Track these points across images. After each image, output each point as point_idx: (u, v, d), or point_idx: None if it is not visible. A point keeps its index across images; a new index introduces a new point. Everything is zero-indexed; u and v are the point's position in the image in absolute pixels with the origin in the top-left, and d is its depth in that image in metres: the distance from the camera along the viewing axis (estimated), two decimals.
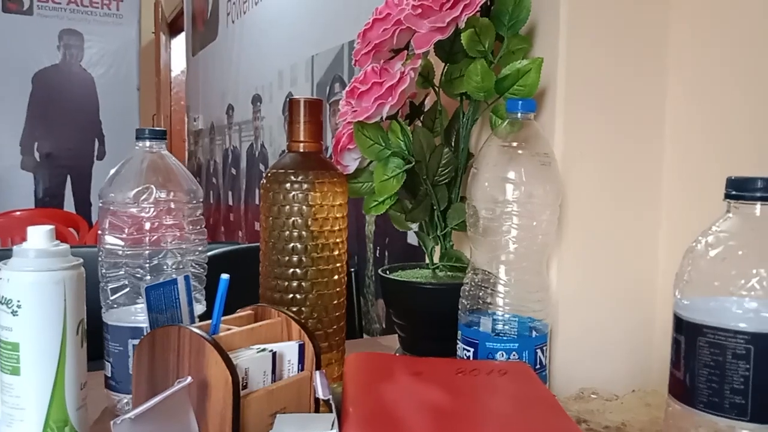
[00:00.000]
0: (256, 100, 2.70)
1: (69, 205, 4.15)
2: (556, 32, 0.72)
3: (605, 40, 0.74)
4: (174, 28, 4.54)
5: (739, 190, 0.44)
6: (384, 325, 1.62)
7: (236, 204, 3.07)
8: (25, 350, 0.52)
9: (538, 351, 0.66)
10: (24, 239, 0.54)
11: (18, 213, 3.13)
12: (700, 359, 0.44)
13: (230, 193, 3.15)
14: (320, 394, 0.50)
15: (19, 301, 0.52)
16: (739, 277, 0.42)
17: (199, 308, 0.69)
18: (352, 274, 1.39)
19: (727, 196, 0.46)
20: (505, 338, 0.65)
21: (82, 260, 0.55)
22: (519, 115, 0.66)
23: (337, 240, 0.71)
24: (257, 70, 2.68)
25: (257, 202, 2.76)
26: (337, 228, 0.71)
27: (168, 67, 4.46)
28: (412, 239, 1.50)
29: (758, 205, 0.44)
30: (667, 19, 0.76)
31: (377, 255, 1.67)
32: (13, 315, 0.52)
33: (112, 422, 0.42)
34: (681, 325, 0.46)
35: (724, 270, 0.44)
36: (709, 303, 0.44)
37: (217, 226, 3.36)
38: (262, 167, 2.68)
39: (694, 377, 0.44)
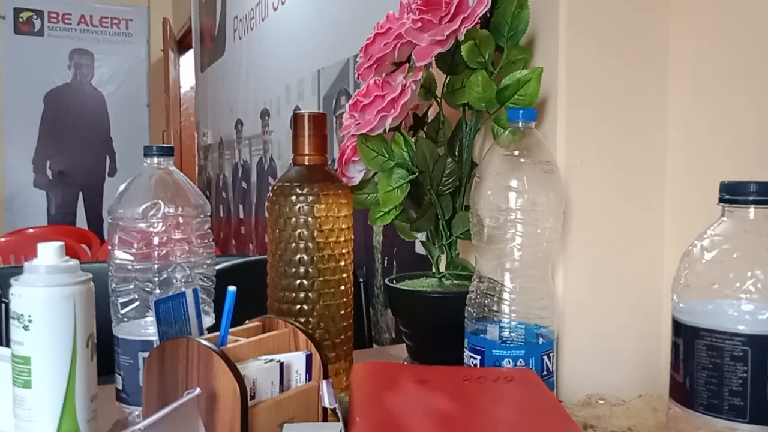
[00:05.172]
0: (265, 114, 2.72)
1: (81, 221, 4.19)
2: (555, 42, 0.73)
3: (605, 49, 0.75)
4: (182, 46, 4.58)
5: (733, 194, 0.45)
6: (393, 335, 1.62)
7: (247, 217, 3.08)
8: (36, 364, 0.53)
9: (545, 358, 0.66)
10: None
11: (31, 230, 3.16)
12: (698, 362, 0.44)
13: (241, 206, 3.17)
14: (327, 403, 0.51)
15: (30, 316, 0.53)
16: (735, 280, 0.43)
17: (208, 321, 0.70)
18: (361, 284, 1.39)
19: (722, 200, 0.46)
20: (511, 345, 0.65)
21: (91, 275, 0.56)
22: (520, 124, 0.67)
23: (343, 251, 0.72)
24: (265, 84, 2.71)
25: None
26: (342, 239, 0.72)
27: (177, 83, 4.50)
28: (420, 249, 1.51)
29: (752, 209, 0.45)
30: (667, 23, 0.77)
31: (385, 265, 1.67)
32: (25, 330, 0.53)
33: None
34: (679, 329, 0.46)
35: (720, 273, 0.44)
36: (707, 306, 0.44)
37: (228, 239, 3.38)
38: (271, 180, 2.69)
39: (693, 380, 0.45)
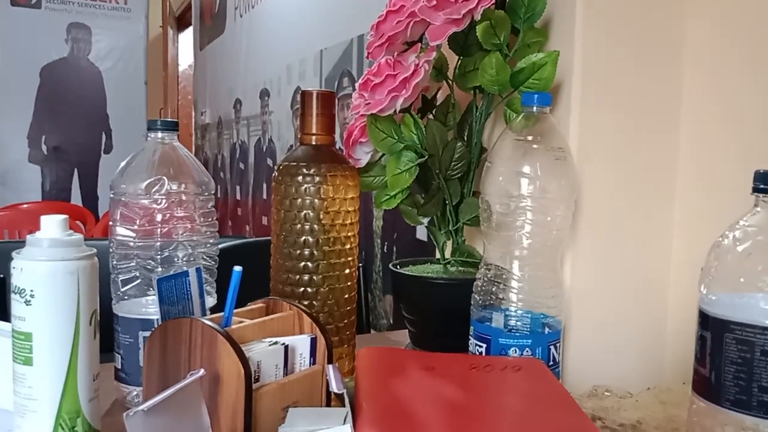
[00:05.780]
0: (264, 94, 2.69)
1: (76, 198, 4.16)
2: (572, 25, 0.71)
3: (622, 34, 0.73)
4: (182, 23, 4.54)
5: None
6: (391, 321, 1.61)
7: (244, 198, 3.07)
8: (38, 340, 0.52)
9: (552, 347, 0.65)
10: (32, 232, 0.53)
11: (26, 206, 3.14)
12: (726, 356, 0.43)
13: (238, 187, 3.15)
14: (334, 388, 0.50)
15: (32, 291, 0.51)
16: (767, 273, 0.42)
17: (210, 301, 0.69)
18: (360, 269, 1.38)
19: (756, 189, 0.44)
20: (517, 334, 0.65)
21: (95, 250, 0.55)
22: (534, 108, 0.65)
23: (349, 234, 0.71)
24: (265, 64, 2.68)
25: (265, 196, 2.76)
26: (348, 222, 0.71)
27: (175, 61, 4.46)
28: (420, 234, 1.50)
29: None
30: (684, 12, 0.75)
31: (384, 250, 1.66)
32: (27, 305, 0.52)
33: (124, 414, 0.42)
34: (707, 321, 0.45)
35: (751, 265, 0.43)
36: (736, 299, 0.43)
37: (224, 220, 3.36)
38: (270, 162, 2.67)
39: (720, 374, 0.44)
